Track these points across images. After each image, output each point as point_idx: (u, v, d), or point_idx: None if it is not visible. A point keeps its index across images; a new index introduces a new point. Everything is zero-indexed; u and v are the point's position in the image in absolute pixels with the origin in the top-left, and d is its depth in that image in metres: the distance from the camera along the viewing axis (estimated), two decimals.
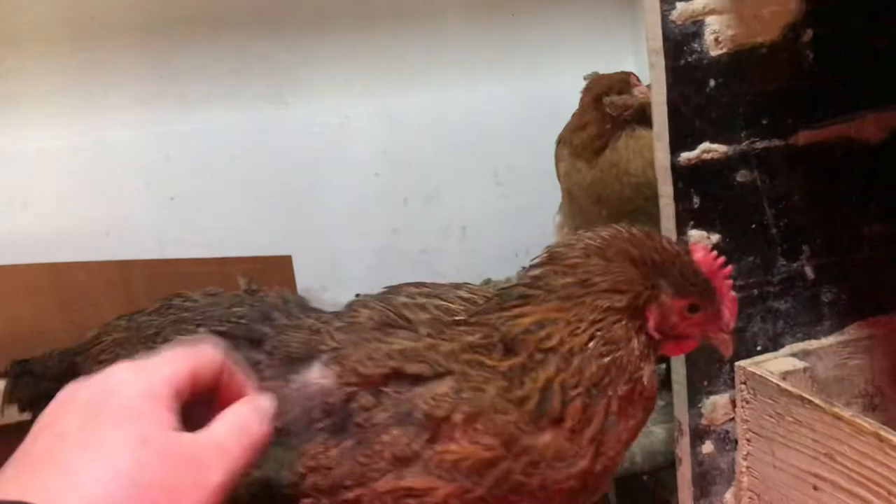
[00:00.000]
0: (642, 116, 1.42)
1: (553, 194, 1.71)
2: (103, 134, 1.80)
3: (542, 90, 2.00)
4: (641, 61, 2.05)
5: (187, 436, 0.48)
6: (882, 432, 0.71)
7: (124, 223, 1.82)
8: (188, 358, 0.51)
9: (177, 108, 1.84)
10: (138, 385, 0.48)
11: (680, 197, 0.86)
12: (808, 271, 0.92)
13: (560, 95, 1.63)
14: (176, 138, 1.84)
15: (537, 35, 2.05)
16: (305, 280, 1.85)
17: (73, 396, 0.49)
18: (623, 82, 1.44)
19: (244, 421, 0.51)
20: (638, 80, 1.45)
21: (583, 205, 1.57)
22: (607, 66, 1.61)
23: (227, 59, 1.87)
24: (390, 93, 1.94)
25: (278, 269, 1.72)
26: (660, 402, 1.23)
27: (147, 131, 1.83)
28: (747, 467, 0.89)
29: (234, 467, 0.49)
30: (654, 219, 1.41)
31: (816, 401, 0.78)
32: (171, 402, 0.48)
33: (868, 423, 0.72)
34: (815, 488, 0.80)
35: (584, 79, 1.54)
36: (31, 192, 1.77)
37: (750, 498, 0.90)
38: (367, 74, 1.95)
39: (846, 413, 0.75)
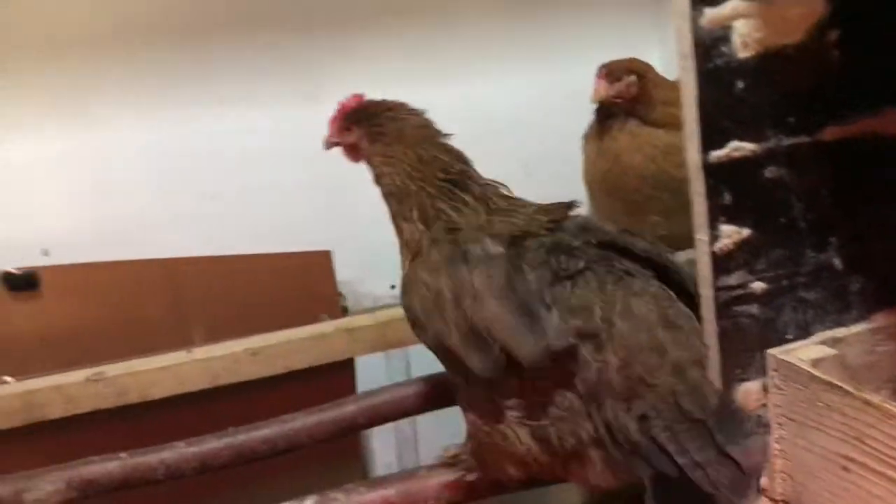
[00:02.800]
0: (632, 111, 1.47)
1: (583, 185, 1.76)
2: (147, 135, 1.88)
3: (570, 82, 2.03)
4: (667, 52, 2.08)
5: None
6: None
7: (167, 221, 1.89)
8: None
9: (216, 108, 1.91)
10: None
11: (711, 193, 0.90)
12: (836, 262, 0.95)
13: (588, 87, 1.66)
14: (216, 138, 1.91)
15: (565, 27, 2.10)
16: (344, 273, 1.92)
17: None
18: (618, 70, 1.50)
19: None
20: (607, 74, 1.49)
21: (600, 198, 1.63)
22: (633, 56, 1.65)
23: (263, 60, 1.94)
24: (422, 88, 1.96)
25: (320, 262, 1.79)
26: None
27: (187, 131, 1.90)
28: (780, 450, 0.94)
29: None
30: (667, 208, 1.47)
31: (846, 387, 0.82)
32: None
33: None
34: (845, 469, 0.84)
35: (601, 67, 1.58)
36: (79, 193, 1.85)
37: (783, 479, 0.94)
38: (399, 70, 2.00)
39: (875, 398, 0.79)
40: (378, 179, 1.21)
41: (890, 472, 0.78)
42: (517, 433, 0.96)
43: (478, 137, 2.09)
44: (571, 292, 0.95)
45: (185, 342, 1.65)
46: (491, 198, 1.12)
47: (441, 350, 1.01)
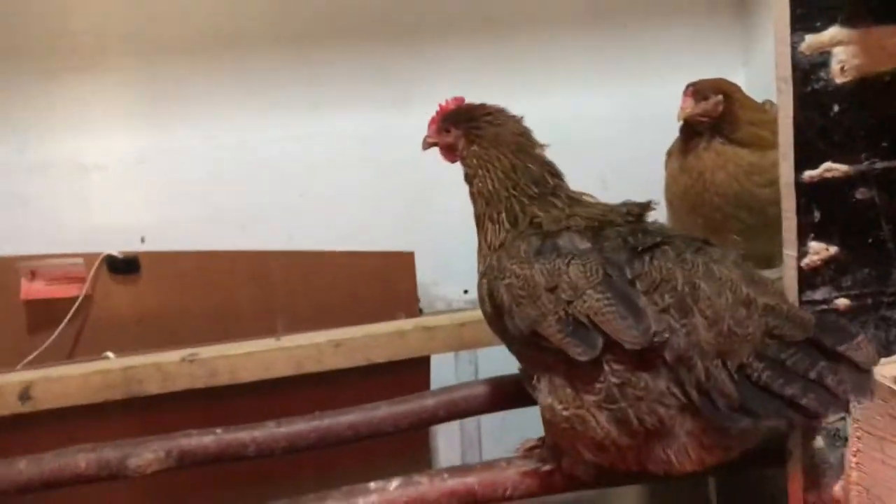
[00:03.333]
0: (718, 129, 1.50)
1: (659, 201, 1.79)
2: (240, 135, 1.98)
3: (652, 100, 2.07)
4: (752, 72, 2.12)
5: None
6: None
7: (258, 218, 1.99)
8: None
9: (309, 112, 2.01)
10: None
11: (802, 211, 0.94)
12: None
13: (670, 105, 1.70)
14: (305, 140, 2.01)
15: (649, 46, 2.14)
16: (420, 275, 1.98)
17: None
18: (705, 89, 1.53)
19: None
20: (694, 93, 1.53)
21: (681, 214, 1.66)
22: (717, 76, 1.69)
23: (353, 67, 2.02)
24: (507, 99, 2.04)
25: (403, 263, 1.86)
26: None
27: (281, 133, 2.00)
28: (857, 463, 0.97)
29: None
30: (746, 227, 1.50)
31: None
32: None
33: None
34: None
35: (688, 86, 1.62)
36: (178, 185, 1.97)
37: (858, 492, 0.97)
38: (487, 81, 2.07)
39: None
40: (470, 179, 1.27)
41: None
42: (596, 417, 1.00)
43: (558, 149, 2.15)
44: (651, 265, 0.99)
45: (270, 331, 1.73)
46: (578, 200, 1.18)
47: (529, 336, 1.06)
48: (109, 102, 1.93)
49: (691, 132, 1.58)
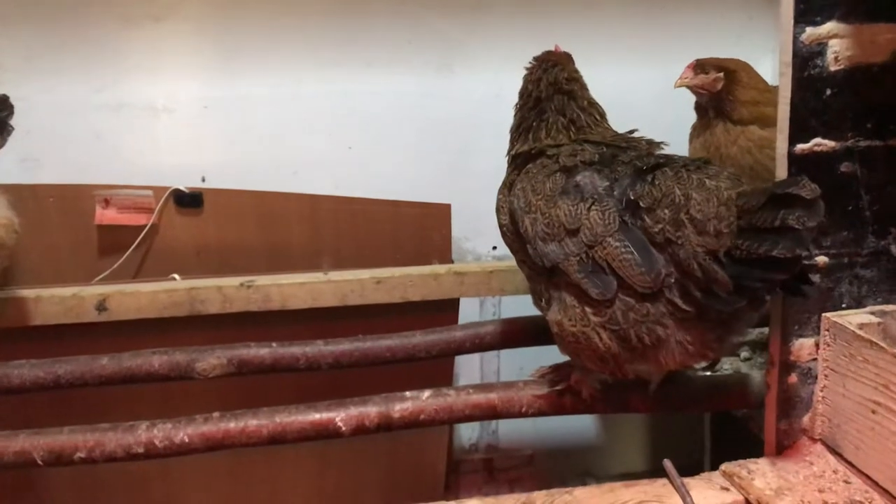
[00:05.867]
0: (720, 108, 1.64)
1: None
2: (298, 88, 2.15)
3: None
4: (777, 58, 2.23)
5: None
6: None
7: (310, 165, 2.16)
8: None
9: (361, 70, 2.17)
10: None
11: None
12: (893, 249, 1.14)
13: None
14: (358, 97, 2.17)
15: (683, 27, 2.27)
16: (453, 230, 2.15)
17: None
18: (707, 65, 1.67)
19: None
20: (695, 66, 1.68)
21: None
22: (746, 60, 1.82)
23: (405, 31, 2.17)
24: None
25: (439, 214, 2.03)
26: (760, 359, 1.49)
27: (334, 88, 2.16)
28: (822, 397, 1.13)
29: None
30: None
31: (881, 343, 1.01)
32: None
33: None
34: (873, 412, 1.03)
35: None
36: (239, 131, 2.14)
37: (822, 421, 1.14)
38: (525, 51, 2.21)
39: None
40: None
41: None
42: (600, 335, 1.18)
43: None
44: (652, 185, 1.16)
45: (317, 268, 1.92)
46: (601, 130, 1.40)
47: (550, 269, 1.23)
48: (181, 51, 2.10)
49: (702, 110, 1.72)
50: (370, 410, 1.31)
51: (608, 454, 2.49)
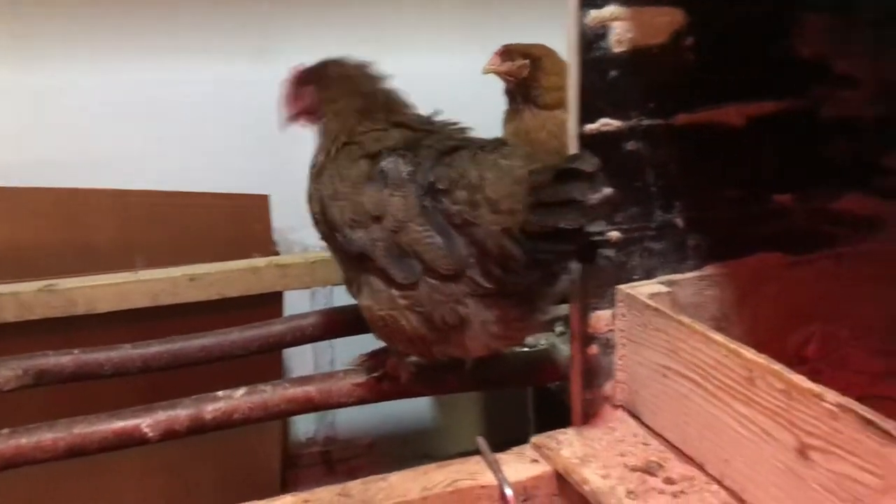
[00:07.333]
0: (527, 94, 1.70)
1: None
2: (104, 77, 2.02)
3: None
4: None
5: None
6: (708, 333, 1.00)
7: (118, 158, 2.04)
8: None
9: (171, 57, 2.07)
10: None
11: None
12: (679, 222, 1.20)
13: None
14: (169, 85, 2.07)
15: (505, 10, 2.30)
16: (279, 220, 2.10)
17: None
18: (514, 52, 1.70)
19: None
20: (503, 52, 1.72)
21: None
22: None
23: (218, 16, 2.09)
24: (365, 53, 2.18)
25: (257, 205, 1.97)
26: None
27: (143, 77, 2.05)
28: (621, 365, 1.19)
29: None
30: None
31: (668, 311, 1.07)
32: None
33: (698, 326, 1.02)
34: (664, 376, 1.09)
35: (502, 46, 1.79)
36: (37, 125, 1.99)
37: (622, 388, 1.19)
38: (344, 35, 2.19)
39: (686, 320, 1.04)
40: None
41: (692, 375, 1.03)
42: (407, 317, 1.19)
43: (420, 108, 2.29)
44: (450, 167, 1.17)
45: (129, 268, 1.82)
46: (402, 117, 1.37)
47: (359, 256, 1.22)
48: None
49: (512, 96, 1.77)
50: (180, 413, 1.25)
51: (446, 435, 2.53)
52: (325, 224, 1.29)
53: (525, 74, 1.72)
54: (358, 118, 1.35)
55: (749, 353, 0.94)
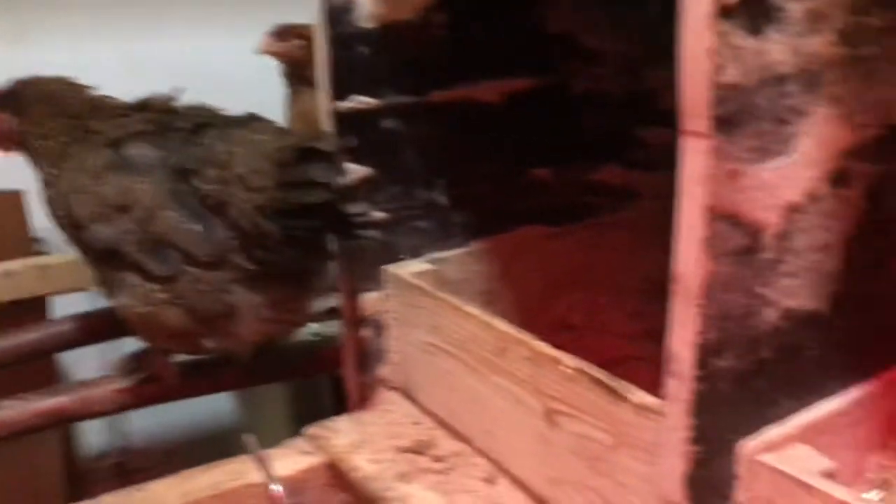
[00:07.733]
0: (304, 76, 1.67)
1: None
2: None
3: None
4: None
5: None
6: (463, 307, 1.01)
7: None
8: None
9: None
10: None
11: (340, 137, 1.10)
12: (442, 200, 1.20)
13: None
14: None
15: None
16: (44, 219, 1.92)
17: None
18: (287, 33, 1.67)
19: None
20: (277, 33, 1.68)
21: None
22: None
23: None
24: (117, 39, 2.06)
25: (9, 203, 1.79)
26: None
27: None
28: (394, 346, 1.17)
29: None
30: None
31: (428, 288, 1.07)
32: None
33: (454, 300, 1.02)
34: (431, 353, 1.08)
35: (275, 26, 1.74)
36: None
37: (394, 369, 1.18)
38: (110, 19, 2.04)
39: (443, 296, 1.04)
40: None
41: (453, 350, 1.03)
42: (169, 313, 1.12)
43: (189, 93, 2.19)
44: (199, 147, 1.12)
45: None
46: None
47: (108, 252, 1.13)
48: None
49: (289, 78, 1.72)
50: None
51: (254, 433, 2.44)
52: (70, 223, 1.18)
53: (299, 55, 1.67)
54: (71, 139, 1.24)
55: (500, 325, 0.95)
